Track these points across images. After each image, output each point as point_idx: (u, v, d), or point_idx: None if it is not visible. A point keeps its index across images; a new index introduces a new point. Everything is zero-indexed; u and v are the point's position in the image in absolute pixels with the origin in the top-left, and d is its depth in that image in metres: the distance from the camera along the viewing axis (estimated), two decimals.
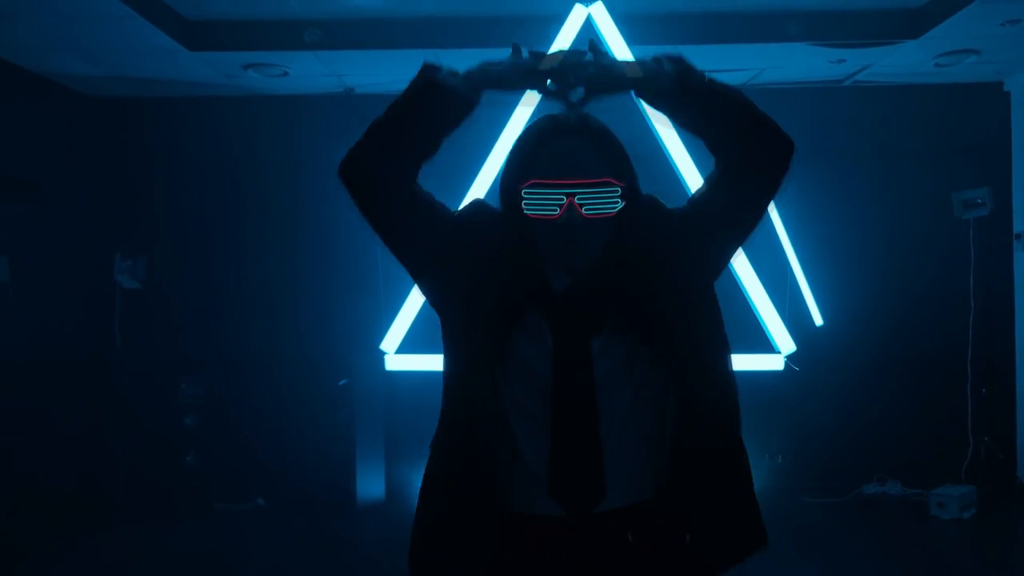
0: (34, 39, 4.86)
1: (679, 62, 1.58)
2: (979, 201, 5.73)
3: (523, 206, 1.56)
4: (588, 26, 3.61)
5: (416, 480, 5.75)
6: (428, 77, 1.60)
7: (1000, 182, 5.95)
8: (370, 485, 5.88)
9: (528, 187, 1.55)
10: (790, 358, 3.84)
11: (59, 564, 4.91)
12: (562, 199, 1.52)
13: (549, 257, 1.61)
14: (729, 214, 1.66)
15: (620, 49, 3.59)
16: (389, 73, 5.60)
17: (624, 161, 1.62)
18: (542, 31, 4.79)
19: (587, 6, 3.63)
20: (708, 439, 1.63)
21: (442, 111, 1.62)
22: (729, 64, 5.48)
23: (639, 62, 1.61)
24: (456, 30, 5.07)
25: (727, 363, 1.68)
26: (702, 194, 1.68)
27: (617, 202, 1.55)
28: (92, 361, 6.03)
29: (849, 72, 5.71)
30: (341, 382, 5.89)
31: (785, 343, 3.72)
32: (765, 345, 3.82)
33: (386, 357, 3.74)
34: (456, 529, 1.65)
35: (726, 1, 4.82)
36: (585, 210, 1.53)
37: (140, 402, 5.99)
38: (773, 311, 3.63)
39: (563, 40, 3.61)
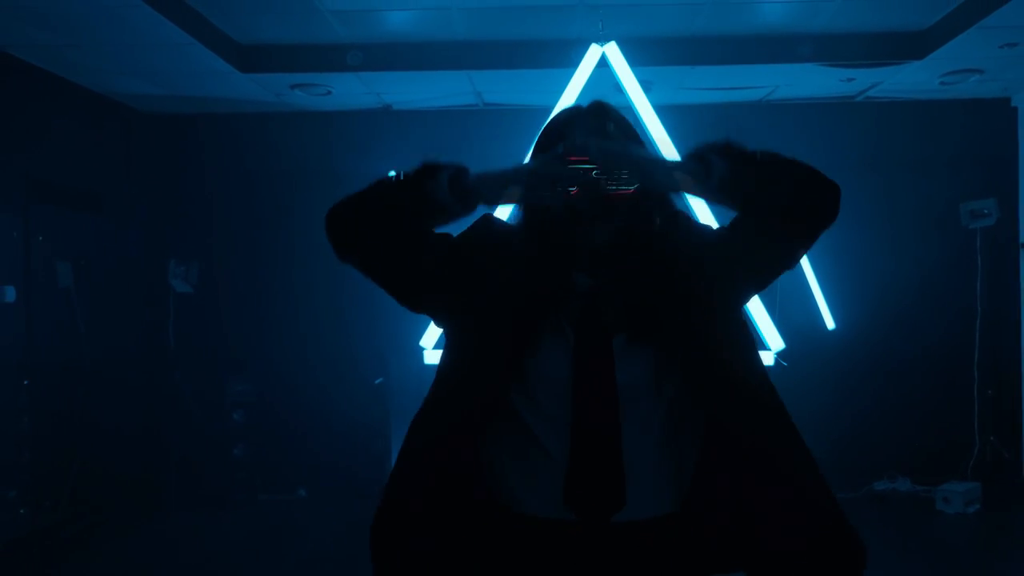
0: (101, 63, 5.23)
1: (729, 153, 1.52)
2: (985, 212, 5.95)
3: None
4: (603, 64, 3.93)
5: None
6: (424, 180, 1.57)
7: (1007, 193, 6.18)
8: None
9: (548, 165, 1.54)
10: (780, 355, 4.14)
11: (118, 548, 5.22)
12: (582, 175, 1.51)
13: (568, 238, 1.57)
14: (760, 254, 1.59)
15: (632, 87, 3.92)
16: (424, 91, 5.94)
17: (641, 144, 1.63)
18: (564, 55, 5.07)
19: (602, 45, 3.96)
20: (737, 453, 1.53)
21: (433, 211, 1.60)
22: (745, 82, 5.78)
23: (687, 158, 1.57)
24: (486, 52, 5.35)
25: (758, 375, 1.59)
26: (736, 227, 1.59)
27: (635, 180, 1.53)
28: (148, 360, 6.33)
29: (860, 89, 5.97)
30: (377, 380, 6.21)
31: (775, 341, 4.03)
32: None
33: (424, 352, 4.09)
34: (447, 523, 1.56)
35: (741, 25, 5.08)
36: (606, 186, 1.52)
37: (192, 399, 6.32)
38: (763, 310, 3.94)
39: (578, 80, 3.94)
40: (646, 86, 4.30)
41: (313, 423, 6.30)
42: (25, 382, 5.26)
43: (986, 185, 6.20)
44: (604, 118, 1.63)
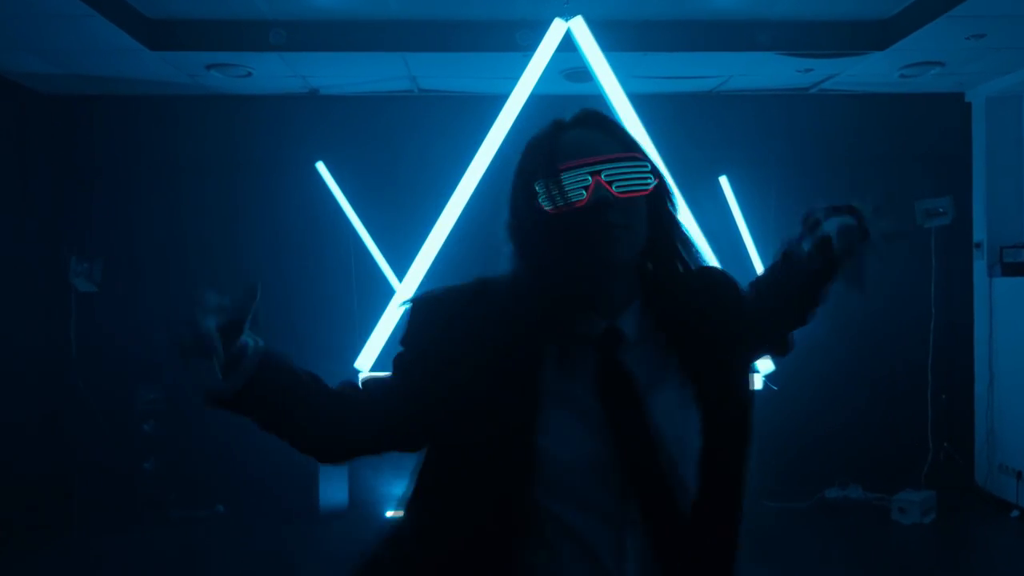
0: None
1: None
2: (941, 210, 5.77)
3: (541, 202, 1.28)
4: (567, 39, 3.56)
5: (380, 487, 5.60)
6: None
7: (960, 191, 6.04)
8: (333, 492, 5.82)
9: (542, 180, 1.29)
10: (768, 377, 3.86)
11: (19, 573, 4.83)
12: (587, 179, 1.26)
13: (580, 263, 1.31)
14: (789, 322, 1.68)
15: (602, 69, 3.55)
16: (354, 75, 5.59)
17: (641, 146, 1.37)
18: (509, 37, 4.79)
19: (567, 20, 3.59)
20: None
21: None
22: (698, 71, 5.53)
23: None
24: (423, 33, 5.04)
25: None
26: (772, 300, 1.62)
27: (649, 178, 1.30)
28: (47, 366, 5.90)
29: (814, 81, 5.76)
30: None
31: (764, 363, 3.73)
32: None
33: (360, 376, 3.69)
34: None
35: (697, 10, 4.85)
36: (616, 187, 1.27)
37: (97, 408, 5.84)
38: None
39: (539, 60, 3.56)
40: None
41: (232, 434, 5.73)
42: None
43: (940, 182, 6.07)
44: (596, 122, 1.37)
